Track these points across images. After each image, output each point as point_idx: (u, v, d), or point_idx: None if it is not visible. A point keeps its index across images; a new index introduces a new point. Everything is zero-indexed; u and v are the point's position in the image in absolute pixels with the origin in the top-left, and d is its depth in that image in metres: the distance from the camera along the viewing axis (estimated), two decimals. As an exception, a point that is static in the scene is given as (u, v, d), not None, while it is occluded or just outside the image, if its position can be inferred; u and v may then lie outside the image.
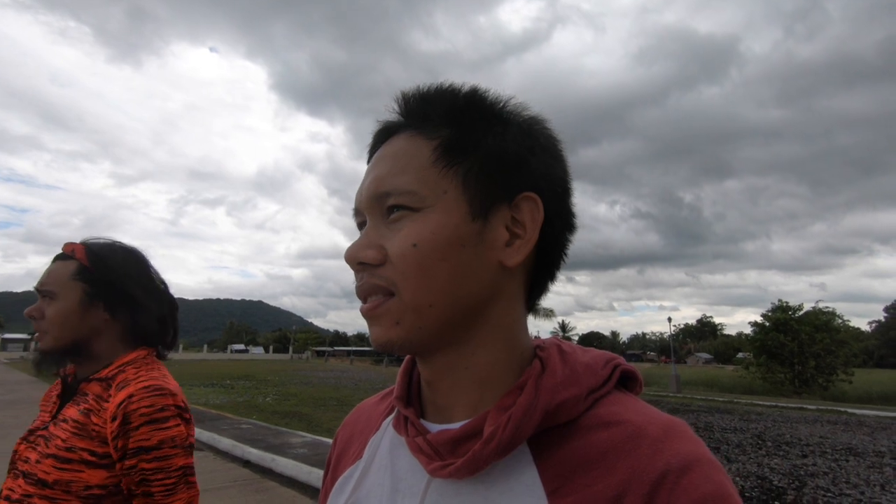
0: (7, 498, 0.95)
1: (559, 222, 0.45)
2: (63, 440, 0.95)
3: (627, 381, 0.45)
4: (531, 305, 0.48)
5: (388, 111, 0.46)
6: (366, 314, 0.42)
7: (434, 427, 0.44)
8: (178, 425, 0.98)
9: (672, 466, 0.35)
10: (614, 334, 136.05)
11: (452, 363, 0.43)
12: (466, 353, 0.43)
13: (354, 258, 0.42)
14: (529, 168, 0.43)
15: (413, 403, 0.47)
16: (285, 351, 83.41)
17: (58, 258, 1.09)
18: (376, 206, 0.43)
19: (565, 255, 0.47)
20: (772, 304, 27.58)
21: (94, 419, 0.97)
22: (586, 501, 0.35)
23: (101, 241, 1.14)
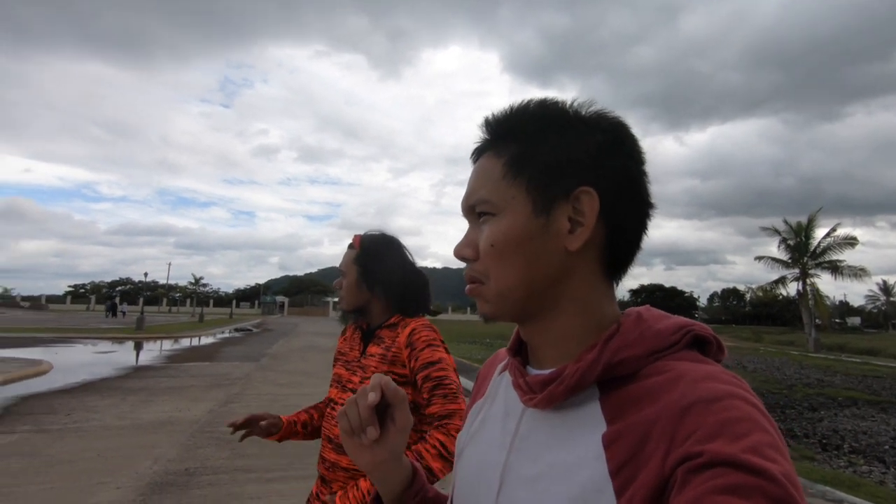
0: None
1: (622, 206, 0.51)
2: (375, 367, 1.41)
3: (706, 346, 0.50)
4: (618, 278, 0.55)
5: (479, 136, 0.58)
6: (468, 294, 0.57)
7: (532, 371, 0.57)
8: (444, 351, 1.39)
9: (702, 398, 0.41)
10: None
11: (538, 327, 0.55)
12: (548, 320, 0.54)
13: (458, 255, 0.57)
14: (584, 166, 0.51)
15: (521, 353, 0.60)
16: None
17: (349, 246, 1.58)
18: (470, 213, 0.57)
19: (643, 232, 0.54)
20: None
21: (393, 350, 1.41)
22: (631, 425, 0.44)
23: (374, 233, 1.59)
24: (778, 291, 32.52)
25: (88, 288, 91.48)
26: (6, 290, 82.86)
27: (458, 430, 1.25)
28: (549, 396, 0.50)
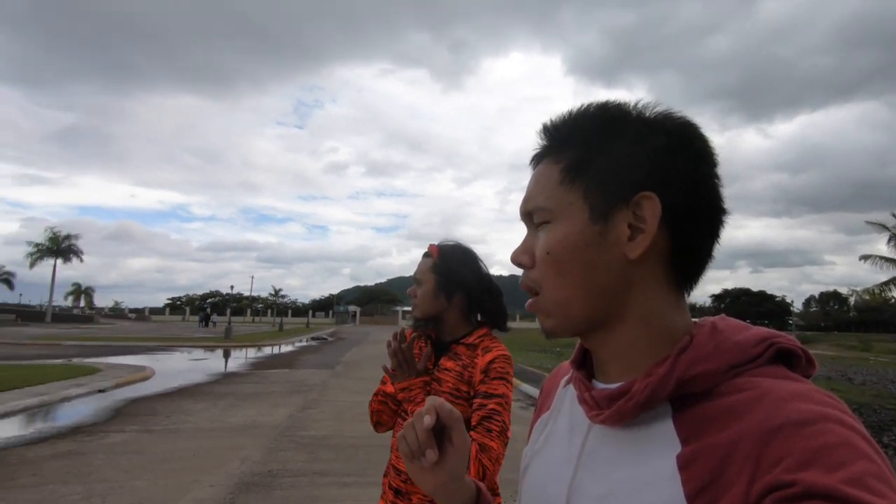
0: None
1: (688, 211, 0.48)
2: (451, 384, 1.39)
3: (792, 360, 0.46)
4: (688, 287, 0.52)
5: (538, 143, 0.57)
6: (528, 310, 0.56)
7: (598, 385, 0.54)
8: (511, 387, 1.38)
9: (791, 420, 0.37)
10: None
11: (602, 340, 0.52)
12: (611, 332, 0.51)
13: (514, 262, 0.56)
14: (646, 170, 0.48)
15: (586, 366, 0.58)
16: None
17: (425, 255, 1.56)
18: (527, 220, 0.56)
19: (714, 239, 0.50)
20: None
21: (469, 370, 1.39)
22: (709, 446, 0.41)
23: (451, 243, 1.57)
24: (889, 294, 28.88)
25: (184, 300, 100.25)
26: (117, 303, 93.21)
27: (482, 467, 1.21)
28: (618, 413, 0.48)
